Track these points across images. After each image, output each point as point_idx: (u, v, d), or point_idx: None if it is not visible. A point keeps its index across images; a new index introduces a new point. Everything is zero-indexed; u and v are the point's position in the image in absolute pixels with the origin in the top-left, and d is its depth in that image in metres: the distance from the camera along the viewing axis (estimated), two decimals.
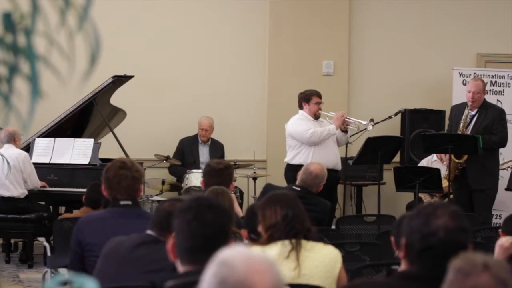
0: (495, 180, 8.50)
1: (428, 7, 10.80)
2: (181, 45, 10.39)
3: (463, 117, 8.37)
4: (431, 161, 9.52)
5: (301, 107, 8.64)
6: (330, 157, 8.24)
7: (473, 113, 8.41)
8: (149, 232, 3.72)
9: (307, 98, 8.58)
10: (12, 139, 8.49)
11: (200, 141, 10.10)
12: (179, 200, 3.90)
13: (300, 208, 3.95)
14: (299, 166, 8.16)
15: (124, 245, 3.69)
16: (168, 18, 10.36)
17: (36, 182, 8.55)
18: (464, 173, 8.38)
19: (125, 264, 3.62)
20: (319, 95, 8.60)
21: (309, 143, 8.46)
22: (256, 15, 10.50)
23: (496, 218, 9.22)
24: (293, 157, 8.57)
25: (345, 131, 8.70)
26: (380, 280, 2.91)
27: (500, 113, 8.53)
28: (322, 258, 3.87)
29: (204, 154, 10.06)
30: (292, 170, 8.45)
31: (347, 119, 8.69)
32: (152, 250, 3.65)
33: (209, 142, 10.13)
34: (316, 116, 8.61)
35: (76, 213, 7.72)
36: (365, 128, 8.80)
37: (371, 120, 8.75)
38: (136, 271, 3.58)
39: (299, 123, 8.54)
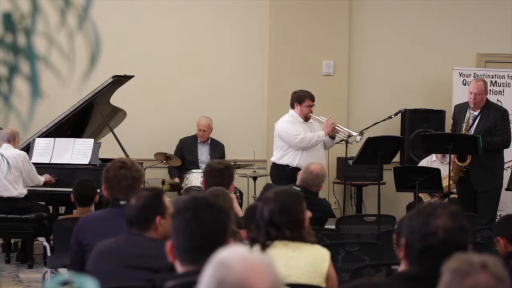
0: (498, 181, 8.48)
1: (428, 7, 10.80)
2: (181, 45, 10.39)
3: (465, 119, 8.35)
4: (430, 161, 9.53)
5: (292, 107, 8.63)
6: (316, 159, 8.20)
7: (476, 113, 8.39)
8: (133, 231, 3.75)
9: (300, 99, 8.55)
10: (12, 139, 8.51)
11: (199, 141, 10.10)
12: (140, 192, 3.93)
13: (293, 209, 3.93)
14: (285, 166, 8.30)
15: (115, 245, 3.71)
16: (168, 18, 10.36)
17: (37, 180, 8.54)
18: (468, 174, 8.37)
19: (119, 263, 3.63)
20: (312, 98, 8.58)
21: (296, 148, 8.47)
22: (256, 15, 10.50)
23: (497, 218, 9.21)
24: (280, 157, 8.57)
25: (332, 137, 8.73)
26: (380, 280, 2.91)
27: (503, 113, 8.49)
28: (308, 258, 3.86)
29: (203, 153, 10.06)
30: (277, 169, 8.51)
31: (337, 127, 8.69)
32: (142, 246, 3.67)
33: (209, 142, 10.14)
34: (307, 118, 8.61)
35: (74, 214, 7.72)
36: (356, 141, 8.77)
37: (361, 133, 8.72)
38: (130, 269, 3.59)
39: (290, 126, 8.50)
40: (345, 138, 8.85)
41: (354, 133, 8.69)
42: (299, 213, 3.91)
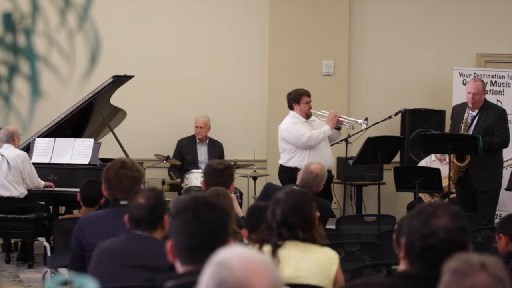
0: (498, 181, 8.48)
1: (428, 7, 10.80)
2: (181, 45, 10.39)
3: (464, 119, 8.35)
4: (430, 161, 9.53)
5: (291, 108, 8.58)
6: (324, 158, 8.19)
7: (474, 113, 8.40)
8: (138, 232, 3.74)
9: (297, 99, 8.51)
10: (11, 138, 8.49)
11: (197, 141, 10.09)
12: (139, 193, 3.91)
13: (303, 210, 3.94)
14: (295, 169, 8.17)
15: (116, 245, 3.71)
16: (168, 18, 10.36)
17: (37, 182, 8.53)
18: (467, 174, 8.37)
19: (121, 263, 3.63)
20: (308, 94, 8.55)
21: (305, 147, 8.44)
22: (256, 15, 10.50)
23: (496, 218, 9.21)
24: (288, 160, 8.51)
25: (338, 128, 8.71)
26: (380, 280, 2.91)
27: (501, 113, 8.49)
28: (317, 260, 3.86)
29: (202, 153, 10.05)
30: (287, 172, 8.42)
31: (340, 118, 8.68)
32: (145, 247, 3.67)
33: (207, 142, 10.12)
34: (308, 116, 8.58)
35: (76, 213, 7.71)
36: (362, 129, 8.80)
37: (366, 119, 8.74)
38: (132, 269, 3.59)
39: (293, 127, 8.46)
40: (352, 128, 8.85)
41: (359, 121, 8.69)
42: (311, 213, 3.92)
